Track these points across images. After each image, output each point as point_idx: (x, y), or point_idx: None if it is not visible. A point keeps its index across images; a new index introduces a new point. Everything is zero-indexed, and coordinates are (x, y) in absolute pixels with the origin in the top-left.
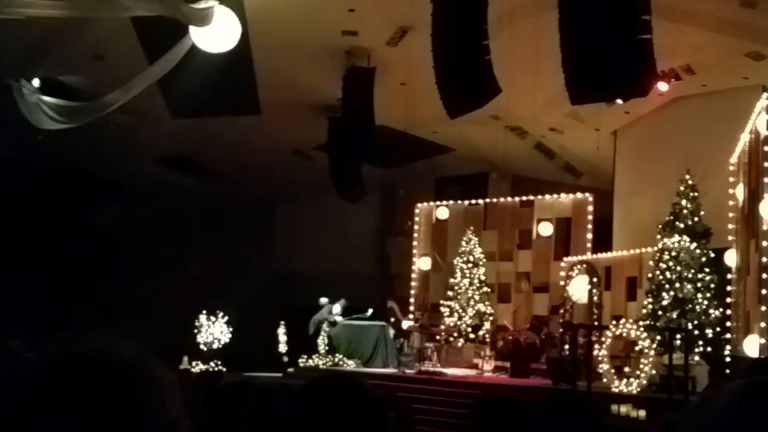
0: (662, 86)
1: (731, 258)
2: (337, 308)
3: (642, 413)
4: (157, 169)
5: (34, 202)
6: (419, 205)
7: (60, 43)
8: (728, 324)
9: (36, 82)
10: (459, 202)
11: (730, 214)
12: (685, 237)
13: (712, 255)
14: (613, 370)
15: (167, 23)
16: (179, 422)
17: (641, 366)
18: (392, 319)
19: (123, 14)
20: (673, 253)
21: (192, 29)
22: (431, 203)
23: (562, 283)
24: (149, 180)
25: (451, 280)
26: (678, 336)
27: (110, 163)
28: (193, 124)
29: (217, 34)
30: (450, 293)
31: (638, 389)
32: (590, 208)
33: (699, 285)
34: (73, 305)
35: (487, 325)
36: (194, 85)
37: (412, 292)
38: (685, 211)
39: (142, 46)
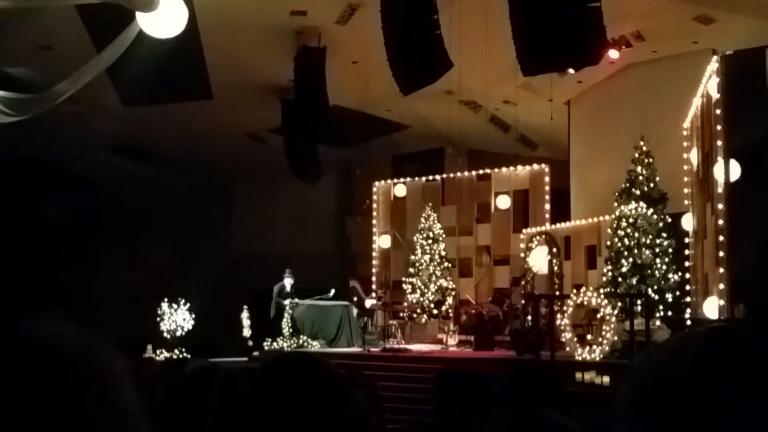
0: (613, 54)
1: (688, 222)
2: (287, 282)
3: (606, 379)
4: (111, 158)
5: None
6: (377, 183)
7: (5, 35)
8: (687, 287)
9: None
10: (416, 178)
11: (685, 179)
12: (641, 203)
13: (669, 220)
14: (575, 339)
15: (113, 10)
16: (131, 411)
17: (603, 333)
18: (355, 299)
19: (68, 2)
20: (631, 220)
21: (138, 15)
22: (389, 181)
23: (522, 254)
24: (103, 169)
25: (412, 257)
26: (638, 302)
27: (63, 153)
28: (144, 111)
29: (164, 20)
30: (411, 270)
31: (601, 356)
32: (547, 179)
33: (657, 250)
34: (31, 298)
35: (449, 300)
36: (144, 71)
37: (374, 270)
38: (640, 178)
39: (89, 35)
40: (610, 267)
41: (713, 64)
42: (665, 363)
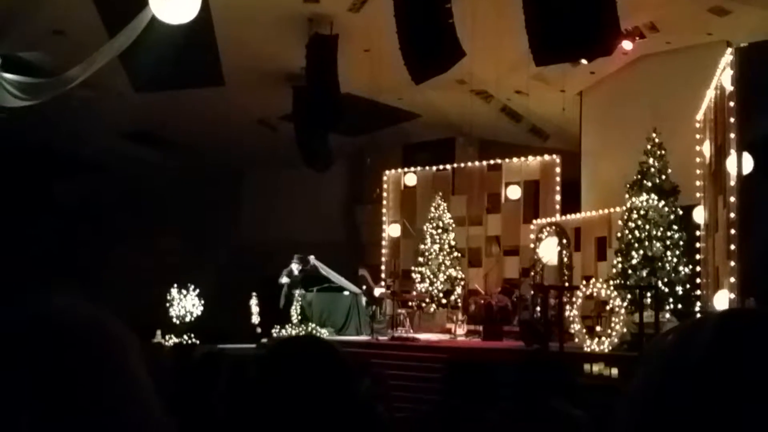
0: (627, 45)
1: (699, 215)
2: (294, 267)
3: (614, 371)
4: (123, 144)
5: None
6: (387, 172)
7: (18, 19)
8: (698, 281)
9: None
10: (427, 168)
11: (698, 171)
12: (653, 195)
13: (681, 212)
14: (584, 330)
15: None
16: (145, 387)
17: (612, 325)
18: (364, 287)
19: None
20: (642, 212)
21: (151, 1)
22: (399, 170)
23: (532, 245)
24: (115, 155)
25: (422, 246)
26: (648, 294)
27: (75, 138)
28: (157, 97)
29: (176, 5)
30: (421, 259)
31: (610, 348)
32: (558, 169)
33: (668, 243)
34: (40, 283)
35: (458, 290)
36: (156, 57)
37: (383, 259)
38: (652, 170)
39: (102, 20)
40: (620, 259)
41: (727, 56)
42: (679, 346)
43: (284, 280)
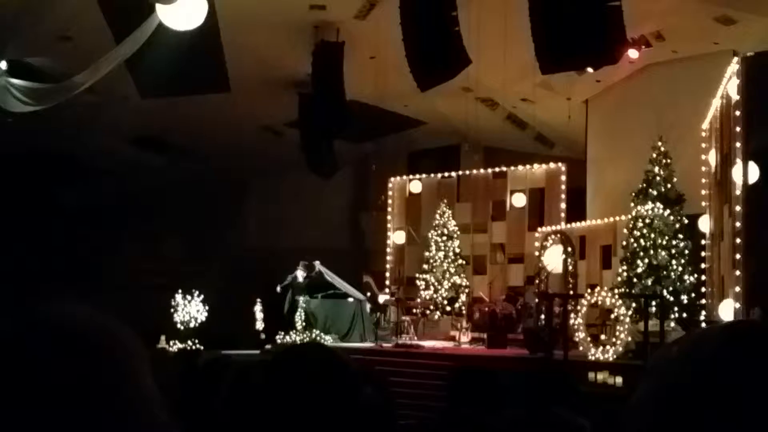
0: (633, 53)
1: (705, 224)
2: (299, 274)
3: (619, 380)
4: (129, 149)
5: (3, 185)
6: (392, 179)
7: (25, 25)
8: (703, 290)
9: (3, 65)
10: (432, 175)
11: (703, 180)
12: (658, 204)
13: (686, 221)
14: (589, 338)
15: (133, 1)
16: (152, 396)
17: (617, 333)
18: (368, 294)
19: None
20: (647, 221)
21: (158, 7)
22: (404, 177)
23: (536, 253)
24: (121, 160)
25: (426, 254)
26: (653, 303)
27: (81, 144)
28: (162, 103)
29: (183, 12)
30: (425, 266)
31: (614, 356)
32: (563, 177)
33: (673, 251)
34: (45, 287)
35: (463, 297)
36: (163, 63)
37: (388, 266)
38: (657, 178)
39: (108, 26)
40: (625, 267)
41: (733, 66)
42: (684, 357)
43: (278, 289)
